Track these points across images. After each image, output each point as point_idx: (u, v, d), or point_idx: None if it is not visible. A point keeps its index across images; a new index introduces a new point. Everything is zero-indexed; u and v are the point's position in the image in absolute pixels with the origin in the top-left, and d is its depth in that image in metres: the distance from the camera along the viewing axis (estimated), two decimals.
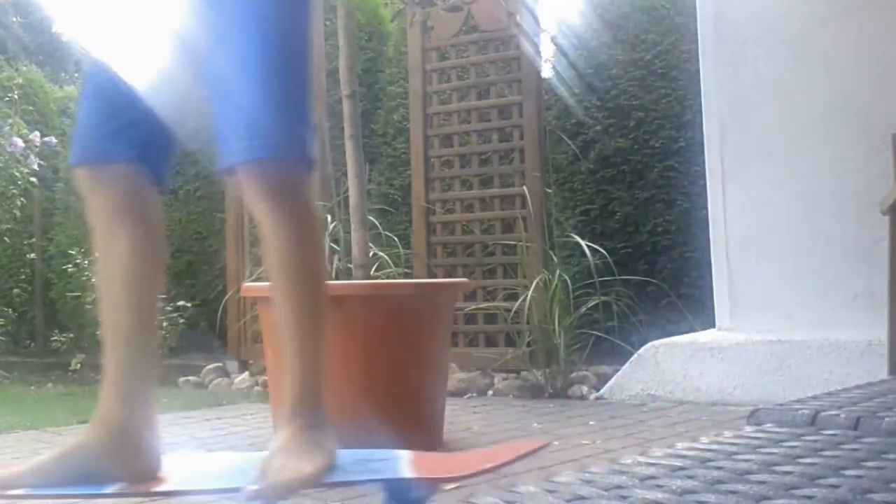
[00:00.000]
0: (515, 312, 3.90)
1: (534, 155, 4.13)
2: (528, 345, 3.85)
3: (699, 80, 3.85)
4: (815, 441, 0.88)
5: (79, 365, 5.82)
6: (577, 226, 4.74)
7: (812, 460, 0.78)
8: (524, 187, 4.09)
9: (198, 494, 1.44)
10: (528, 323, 3.85)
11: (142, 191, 1.55)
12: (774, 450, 0.83)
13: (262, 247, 1.60)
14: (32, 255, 7.03)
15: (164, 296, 5.62)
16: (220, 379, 4.68)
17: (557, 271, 3.78)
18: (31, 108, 6.70)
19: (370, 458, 1.55)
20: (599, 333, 3.80)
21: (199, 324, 5.60)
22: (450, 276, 4.28)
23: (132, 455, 1.47)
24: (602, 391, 3.60)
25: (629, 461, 0.74)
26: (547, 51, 4.86)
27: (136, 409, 1.51)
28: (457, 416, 3.21)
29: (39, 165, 5.78)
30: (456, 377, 3.89)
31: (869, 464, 0.76)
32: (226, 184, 4.99)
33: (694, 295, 4.48)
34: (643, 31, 4.95)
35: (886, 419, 0.90)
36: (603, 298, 3.81)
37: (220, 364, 4.87)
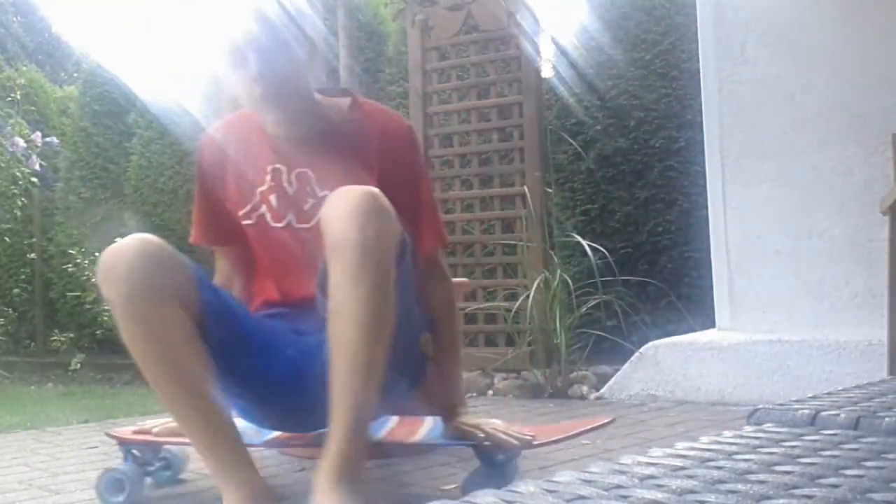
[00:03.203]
0: (516, 312, 3.90)
1: (534, 155, 4.13)
2: (529, 345, 3.85)
3: (699, 80, 3.85)
4: (815, 441, 0.88)
5: (79, 365, 5.83)
6: (577, 225, 4.74)
7: (812, 460, 0.78)
8: (524, 187, 4.09)
9: None
10: (528, 323, 3.84)
11: None
12: (774, 450, 0.83)
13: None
14: (32, 255, 7.04)
15: None
16: None
17: (558, 271, 3.78)
18: (31, 107, 6.71)
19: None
20: (600, 333, 3.80)
21: None
22: None
23: None
24: (602, 391, 3.60)
25: (629, 461, 0.74)
26: (547, 51, 4.86)
27: None
28: None
29: (41, 166, 5.79)
30: None
31: (869, 464, 0.76)
32: None
33: (694, 295, 4.48)
34: (643, 31, 4.95)
35: (886, 419, 0.90)
36: (603, 298, 3.81)
37: None
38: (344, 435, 1.49)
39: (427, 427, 2.03)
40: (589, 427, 2.07)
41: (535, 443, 1.87)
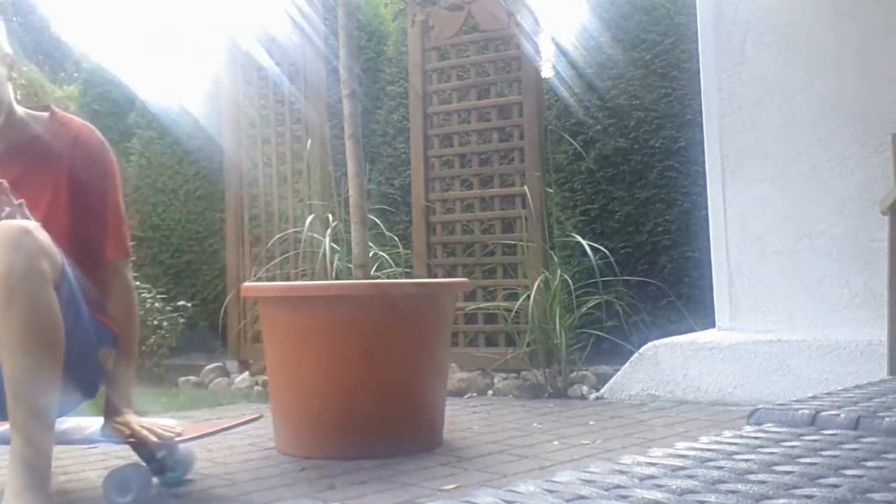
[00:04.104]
0: (516, 312, 3.90)
1: (534, 154, 4.13)
2: (529, 345, 3.85)
3: (699, 80, 3.86)
4: (815, 441, 0.88)
5: None
6: (577, 225, 4.74)
7: (812, 460, 0.78)
8: (524, 187, 4.09)
9: None
10: (528, 323, 3.84)
11: None
12: (774, 450, 0.83)
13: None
14: None
15: (165, 296, 5.64)
16: (220, 379, 4.68)
17: (558, 271, 3.78)
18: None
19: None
20: (600, 333, 3.80)
21: (199, 324, 5.61)
22: (450, 276, 4.28)
23: None
24: (602, 391, 3.60)
25: (629, 461, 0.74)
26: (547, 51, 4.86)
27: None
28: (457, 416, 3.21)
29: None
30: (456, 377, 3.89)
31: (869, 464, 0.76)
32: (226, 183, 5.00)
33: (694, 295, 4.48)
34: (643, 31, 4.95)
35: (886, 419, 0.90)
36: (603, 298, 3.81)
37: (220, 364, 4.87)
38: (22, 448, 1.65)
39: (95, 426, 2.15)
40: (235, 423, 2.25)
41: (179, 439, 2.04)
